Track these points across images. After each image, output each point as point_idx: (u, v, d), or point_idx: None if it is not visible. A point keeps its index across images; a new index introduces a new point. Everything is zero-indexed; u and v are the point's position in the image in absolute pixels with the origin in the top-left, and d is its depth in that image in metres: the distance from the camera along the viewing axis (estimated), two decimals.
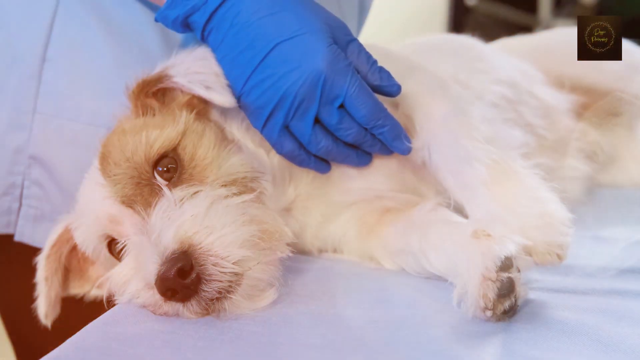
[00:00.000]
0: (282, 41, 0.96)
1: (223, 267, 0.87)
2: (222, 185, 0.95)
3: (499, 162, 0.97)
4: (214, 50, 1.01)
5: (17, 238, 1.21)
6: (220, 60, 1.00)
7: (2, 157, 1.19)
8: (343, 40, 0.99)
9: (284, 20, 0.97)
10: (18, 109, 1.18)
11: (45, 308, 1.05)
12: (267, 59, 0.97)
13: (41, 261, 1.06)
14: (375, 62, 1.00)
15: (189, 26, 1.02)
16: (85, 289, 1.08)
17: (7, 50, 1.18)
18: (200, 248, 0.87)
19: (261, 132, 1.02)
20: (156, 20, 1.03)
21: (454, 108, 1.03)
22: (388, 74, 1.00)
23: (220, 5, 0.98)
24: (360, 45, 1.01)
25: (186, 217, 0.89)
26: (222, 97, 1.00)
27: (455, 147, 1.00)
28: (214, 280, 0.87)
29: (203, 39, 1.02)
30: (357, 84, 0.97)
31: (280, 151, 1.03)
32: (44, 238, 1.08)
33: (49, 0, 1.15)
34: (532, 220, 0.92)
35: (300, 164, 1.05)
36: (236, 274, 0.88)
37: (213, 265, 0.87)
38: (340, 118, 0.99)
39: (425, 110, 1.03)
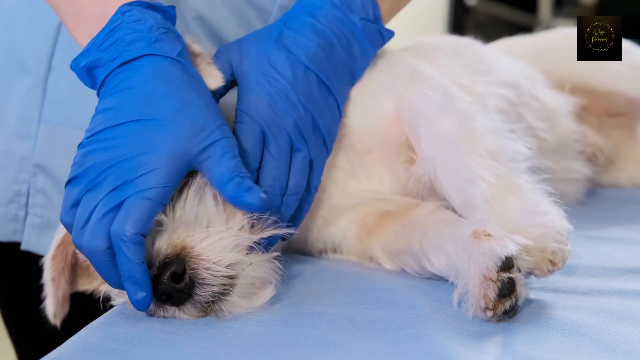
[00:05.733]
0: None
1: (216, 272, 0.87)
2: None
3: (502, 178, 0.97)
4: (100, 97, 0.94)
5: (23, 247, 1.20)
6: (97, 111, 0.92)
7: (8, 165, 1.19)
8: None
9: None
10: (24, 117, 1.18)
11: (53, 308, 1.05)
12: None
13: (47, 262, 1.05)
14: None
15: (93, 77, 0.95)
16: (94, 284, 1.08)
17: (13, 56, 1.18)
18: (193, 251, 0.87)
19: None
20: (71, 67, 0.96)
21: (459, 124, 1.02)
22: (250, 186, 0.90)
23: (125, 63, 0.92)
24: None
25: (178, 221, 0.88)
26: (207, 81, 0.96)
27: (459, 165, 0.99)
28: (207, 284, 0.87)
29: (99, 92, 0.95)
30: None
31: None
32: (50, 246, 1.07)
33: None
34: (530, 232, 0.92)
35: None
36: (230, 277, 0.88)
37: (205, 269, 0.87)
38: None
39: (430, 126, 1.03)
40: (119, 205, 0.85)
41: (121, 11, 0.94)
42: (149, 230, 0.86)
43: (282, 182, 0.98)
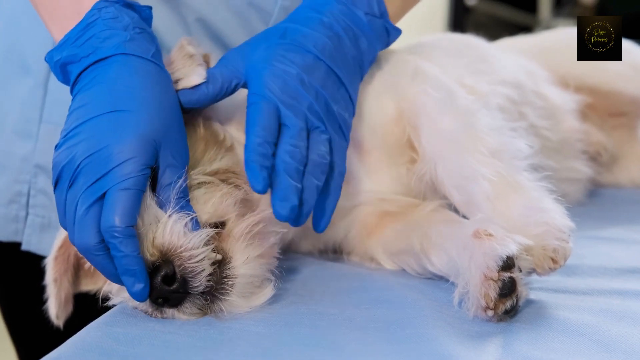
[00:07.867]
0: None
1: (197, 255, 0.87)
2: (199, 181, 0.94)
3: (504, 176, 0.97)
4: (74, 95, 0.93)
5: (24, 247, 1.20)
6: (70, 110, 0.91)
7: (9, 165, 1.19)
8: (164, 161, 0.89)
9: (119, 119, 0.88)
10: (25, 117, 1.18)
11: (55, 309, 1.05)
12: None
13: (49, 263, 1.05)
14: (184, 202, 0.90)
15: (67, 73, 0.94)
16: (98, 285, 1.07)
17: (14, 57, 1.18)
18: (164, 246, 0.86)
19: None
20: (45, 59, 0.96)
21: (461, 122, 1.02)
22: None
23: (99, 61, 0.91)
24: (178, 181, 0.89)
25: (146, 226, 0.87)
26: (188, 79, 0.96)
27: (461, 163, 0.99)
28: (197, 274, 0.86)
29: (72, 89, 0.94)
30: None
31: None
32: (51, 246, 1.07)
33: None
34: (531, 229, 0.92)
35: None
36: (213, 251, 0.87)
37: (189, 260, 0.86)
38: None
39: (432, 124, 1.03)
40: (100, 198, 0.84)
41: (98, 7, 0.93)
42: (137, 219, 0.85)
43: (303, 152, 0.92)
